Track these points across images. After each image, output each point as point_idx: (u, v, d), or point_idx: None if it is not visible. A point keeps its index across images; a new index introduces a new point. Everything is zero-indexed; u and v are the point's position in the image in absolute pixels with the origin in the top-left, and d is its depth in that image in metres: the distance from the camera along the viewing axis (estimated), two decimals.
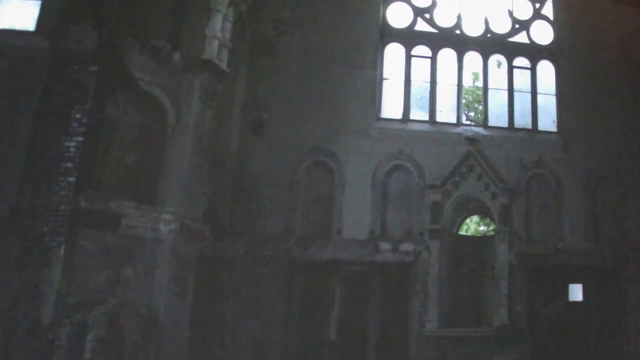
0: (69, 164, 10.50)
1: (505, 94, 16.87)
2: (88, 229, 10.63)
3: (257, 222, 14.84)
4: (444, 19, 17.25)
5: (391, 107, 16.43)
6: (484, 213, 16.93)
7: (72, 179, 10.46)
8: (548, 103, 16.97)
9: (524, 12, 17.68)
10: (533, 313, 14.94)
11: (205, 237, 12.57)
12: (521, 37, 17.41)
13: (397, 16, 17.09)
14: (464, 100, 18.21)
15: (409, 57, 16.77)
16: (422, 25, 17.11)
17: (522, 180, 15.75)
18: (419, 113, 16.56)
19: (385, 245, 14.97)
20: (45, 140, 10.61)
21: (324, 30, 16.24)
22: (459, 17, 17.22)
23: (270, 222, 14.90)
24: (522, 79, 17.11)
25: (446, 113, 16.79)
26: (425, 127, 16.21)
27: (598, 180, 15.96)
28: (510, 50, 17.21)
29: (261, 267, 14.50)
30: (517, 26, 17.48)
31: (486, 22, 17.33)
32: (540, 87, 16.96)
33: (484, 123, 16.76)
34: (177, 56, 12.28)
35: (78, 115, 10.74)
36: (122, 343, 10.78)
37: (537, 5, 17.69)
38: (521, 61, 17.16)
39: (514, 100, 16.77)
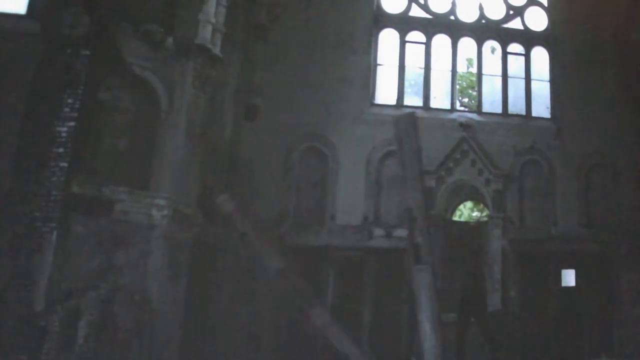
0: (61, 149, 10.39)
1: (499, 80, 16.90)
2: (80, 214, 10.56)
3: (251, 208, 14.80)
4: (439, 4, 17.26)
5: (385, 92, 16.43)
6: (478, 199, 16.98)
7: (64, 164, 10.35)
8: (542, 89, 17.01)
9: None
10: (526, 298, 15.00)
11: (198, 222, 12.51)
12: (515, 24, 17.44)
13: (392, 2, 17.10)
14: (457, 86, 18.22)
15: (403, 43, 16.76)
16: (416, 11, 17.12)
17: (516, 166, 15.80)
18: (413, 99, 16.59)
19: (378, 231, 15.00)
20: (37, 125, 10.48)
21: (318, 16, 16.18)
22: (453, 3, 17.19)
23: (264, 207, 14.89)
24: (516, 65, 17.13)
25: (440, 99, 16.81)
26: (419, 112, 16.14)
27: (591, 166, 16.04)
28: (505, 37, 17.22)
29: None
30: (511, 12, 17.48)
31: (481, 8, 17.30)
32: (534, 74, 17.01)
33: (478, 109, 16.80)
34: (170, 41, 12.20)
35: (70, 100, 10.60)
36: (115, 328, 10.76)
37: None
38: (515, 47, 17.19)
39: (508, 87, 16.81)
